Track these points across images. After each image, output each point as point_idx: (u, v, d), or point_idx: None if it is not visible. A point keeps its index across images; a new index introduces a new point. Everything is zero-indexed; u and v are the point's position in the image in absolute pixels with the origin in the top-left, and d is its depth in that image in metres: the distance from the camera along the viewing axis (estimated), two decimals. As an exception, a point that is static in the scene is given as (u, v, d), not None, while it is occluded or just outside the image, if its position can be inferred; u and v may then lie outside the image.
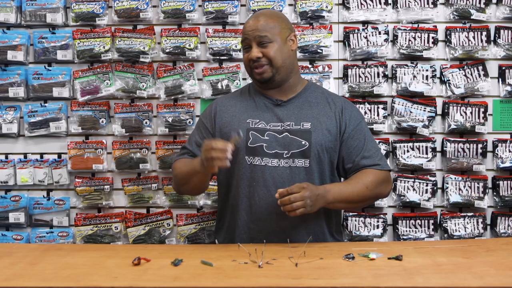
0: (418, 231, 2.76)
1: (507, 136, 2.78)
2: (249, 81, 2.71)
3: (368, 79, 2.76)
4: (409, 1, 2.75)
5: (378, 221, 2.76)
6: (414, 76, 2.75)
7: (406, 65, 2.76)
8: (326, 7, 2.74)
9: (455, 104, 2.75)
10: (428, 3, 2.75)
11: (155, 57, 2.78)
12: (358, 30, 2.75)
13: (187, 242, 2.78)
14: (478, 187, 2.76)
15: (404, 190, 2.76)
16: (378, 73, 2.76)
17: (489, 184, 2.78)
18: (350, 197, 2.03)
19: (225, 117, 2.18)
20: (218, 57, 2.75)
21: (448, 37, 2.75)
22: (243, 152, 2.10)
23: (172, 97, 2.77)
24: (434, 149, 2.76)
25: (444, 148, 2.75)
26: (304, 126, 2.11)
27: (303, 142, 2.08)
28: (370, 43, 2.75)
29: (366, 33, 2.75)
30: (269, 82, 2.12)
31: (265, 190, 2.07)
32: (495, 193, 2.77)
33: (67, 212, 2.80)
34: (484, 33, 2.75)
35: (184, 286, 1.51)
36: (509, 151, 2.75)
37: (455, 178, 2.75)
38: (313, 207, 1.92)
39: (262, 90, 2.19)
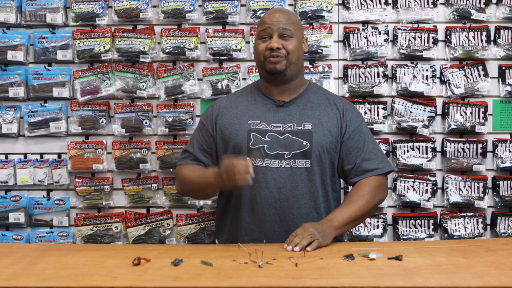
0: (418, 231, 2.76)
1: (507, 136, 2.78)
2: (249, 81, 2.71)
3: (368, 79, 2.76)
4: (409, 1, 2.75)
5: (378, 221, 2.76)
6: (414, 76, 2.75)
7: (406, 65, 2.76)
8: (326, 7, 2.74)
9: (455, 104, 2.75)
10: (428, 3, 2.75)
11: (155, 57, 2.78)
12: (358, 30, 2.75)
13: (187, 242, 2.78)
14: (478, 187, 2.76)
15: (404, 190, 2.76)
16: (378, 73, 2.76)
17: (489, 184, 2.78)
18: (354, 216, 2.03)
19: (226, 119, 2.18)
20: (218, 57, 2.75)
21: (448, 37, 2.75)
22: (244, 154, 2.09)
23: (172, 97, 2.77)
24: (434, 149, 2.76)
25: (444, 148, 2.75)
26: (305, 127, 2.11)
27: (304, 143, 2.08)
28: (370, 43, 2.75)
29: (366, 33, 2.75)
30: (280, 74, 2.12)
31: (267, 191, 2.07)
32: (495, 193, 2.77)
33: (67, 212, 2.80)
34: (484, 33, 2.75)
35: (184, 286, 1.50)
36: (509, 151, 2.75)
37: (455, 178, 2.75)
38: (325, 238, 1.91)
39: (267, 87, 2.19)
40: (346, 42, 2.76)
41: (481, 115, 2.75)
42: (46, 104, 2.78)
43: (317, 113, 2.14)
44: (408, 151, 2.75)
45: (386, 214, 2.77)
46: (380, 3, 2.76)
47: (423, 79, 2.75)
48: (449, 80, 2.75)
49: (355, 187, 2.12)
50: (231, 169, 1.91)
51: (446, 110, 2.74)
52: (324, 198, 2.14)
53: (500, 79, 2.77)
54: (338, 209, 2.08)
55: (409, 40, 2.75)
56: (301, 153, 2.08)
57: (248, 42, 2.75)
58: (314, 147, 2.08)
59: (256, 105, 2.18)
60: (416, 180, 2.75)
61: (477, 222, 2.76)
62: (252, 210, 2.10)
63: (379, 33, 2.75)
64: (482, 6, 2.75)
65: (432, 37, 2.75)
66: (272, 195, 2.06)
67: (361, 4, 2.75)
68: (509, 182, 2.76)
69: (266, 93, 2.19)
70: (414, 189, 2.75)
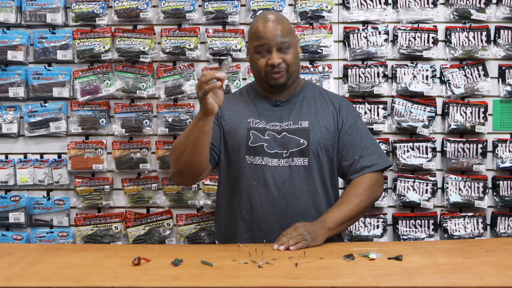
0: (418, 231, 2.76)
1: (507, 136, 2.78)
2: (249, 81, 2.71)
3: (368, 79, 2.76)
4: (409, 1, 2.75)
5: (378, 221, 2.76)
6: (414, 76, 2.75)
7: (406, 65, 2.76)
8: (326, 7, 2.74)
9: (455, 104, 2.75)
10: (428, 3, 2.75)
11: (155, 57, 2.78)
12: (358, 30, 2.75)
13: (187, 242, 2.78)
14: (478, 187, 2.76)
15: (404, 190, 2.76)
16: (378, 73, 2.76)
17: (489, 184, 2.78)
18: (348, 216, 2.02)
19: (227, 114, 2.18)
20: (218, 57, 2.75)
21: (448, 37, 2.75)
22: (243, 152, 2.10)
23: (172, 97, 2.77)
24: (434, 149, 2.76)
25: (444, 148, 2.75)
26: (302, 125, 2.11)
27: (301, 141, 2.08)
28: (370, 43, 2.75)
29: (366, 33, 2.75)
30: (282, 86, 2.12)
31: (266, 190, 2.07)
32: (495, 193, 2.77)
33: (67, 212, 2.80)
34: (484, 33, 2.75)
35: (184, 286, 1.50)
36: (509, 151, 2.76)
37: (455, 178, 2.75)
38: (316, 238, 1.91)
39: (265, 92, 2.19)
40: (346, 42, 2.76)
41: (481, 115, 2.75)
42: (46, 104, 2.78)
43: (313, 111, 2.14)
44: (408, 151, 2.75)
45: (386, 214, 2.77)
46: (380, 3, 2.76)
47: (423, 79, 2.75)
48: (449, 80, 2.75)
49: (350, 186, 2.11)
50: (200, 82, 1.83)
51: (446, 110, 2.75)
52: (324, 195, 2.13)
53: (500, 79, 2.77)
54: (332, 209, 2.07)
55: (409, 40, 2.75)
56: (298, 151, 2.08)
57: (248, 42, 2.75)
58: (311, 145, 2.08)
59: (254, 104, 2.18)
60: (416, 180, 2.75)
61: (477, 222, 2.76)
62: (251, 208, 2.10)
63: (379, 33, 2.75)
64: (482, 6, 2.75)
65: (432, 37, 2.75)
66: (271, 194, 2.06)
67: (361, 4, 2.75)
68: (509, 182, 2.76)
69: (262, 94, 2.19)
70: (414, 189, 2.75)
